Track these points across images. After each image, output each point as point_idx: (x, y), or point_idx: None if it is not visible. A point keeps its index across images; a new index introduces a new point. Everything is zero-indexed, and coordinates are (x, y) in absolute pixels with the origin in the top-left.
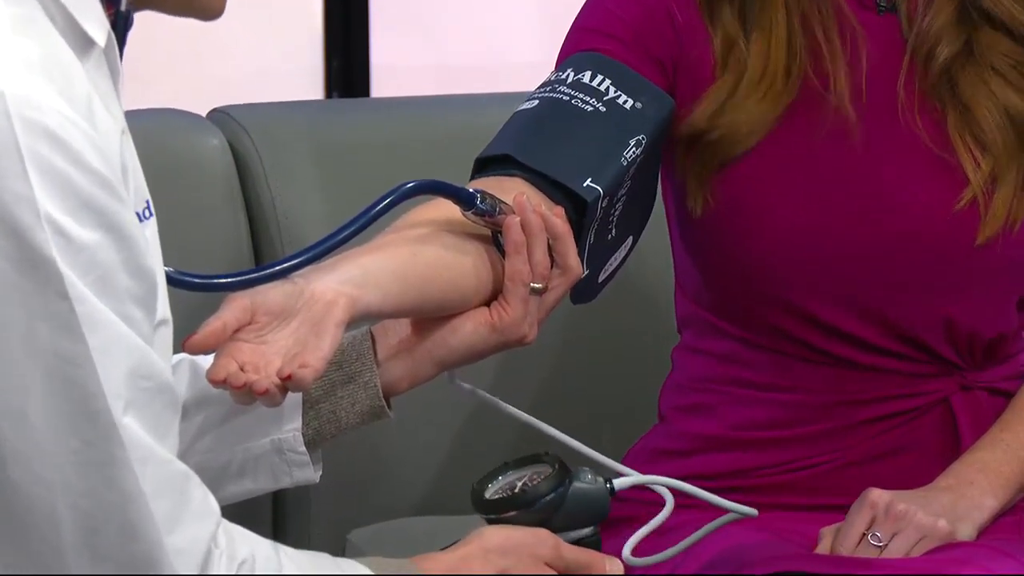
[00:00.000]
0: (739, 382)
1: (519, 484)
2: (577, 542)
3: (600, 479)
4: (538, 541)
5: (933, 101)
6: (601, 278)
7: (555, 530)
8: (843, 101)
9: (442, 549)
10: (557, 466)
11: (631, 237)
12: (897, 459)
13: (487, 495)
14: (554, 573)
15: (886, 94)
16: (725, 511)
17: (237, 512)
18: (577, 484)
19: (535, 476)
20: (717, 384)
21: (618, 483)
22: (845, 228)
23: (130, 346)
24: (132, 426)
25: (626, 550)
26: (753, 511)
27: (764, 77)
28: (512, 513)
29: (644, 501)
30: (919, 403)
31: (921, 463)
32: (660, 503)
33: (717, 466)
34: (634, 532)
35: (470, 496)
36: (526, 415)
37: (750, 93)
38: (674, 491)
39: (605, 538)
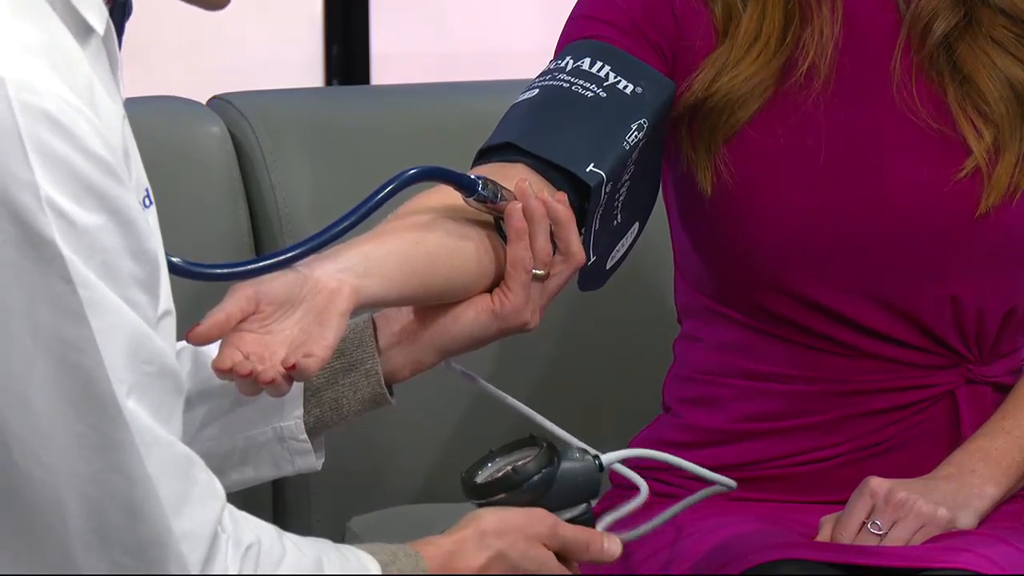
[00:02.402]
0: (744, 373)
1: (506, 467)
2: (570, 521)
3: (588, 456)
4: (533, 521)
5: (931, 75)
6: (609, 265)
7: (548, 510)
8: (821, 75)
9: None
10: (545, 446)
11: (637, 223)
12: (901, 453)
13: (476, 480)
14: (551, 552)
15: (882, 73)
16: (706, 483)
17: (238, 499)
18: (565, 463)
19: (522, 459)
20: (722, 376)
21: (606, 459)
22: (846, 210)
23: (133, 330)
24: (136, 410)
25: (599, 528)
26: (732, 483)
27: (759, 40)
28: (501, 496)
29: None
30: (925, 395)
31: (924, 457)
32: (653, 492)
33: (724, 458)
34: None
35: (461, 484)
36: (513, 399)
37: (745, 55)
38: (662, 473)
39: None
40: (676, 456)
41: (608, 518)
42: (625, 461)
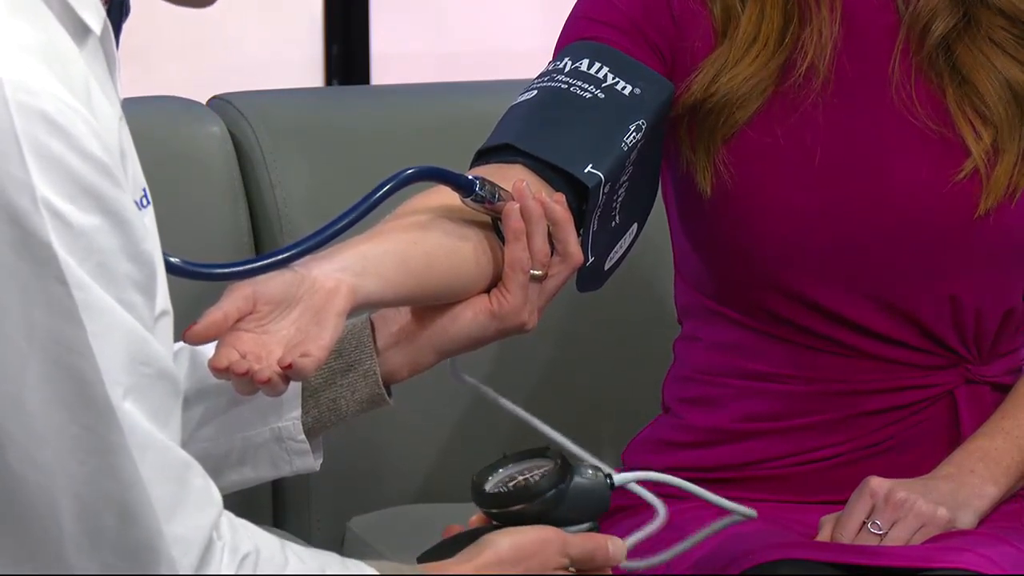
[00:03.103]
0: (744, 373)
1: (519, 478)
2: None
3: (600, 474)
4: (547, 545)
5: (930, 76)
6: (607, 266)
7: (556, 524)
8: (820, 75)
9: (438, 545)
10: (559, 462)
11: (636, 224)
12: (901, 453)
13: (487, 488)
14: (564, 571)
15: (881, 74)
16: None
17: (237, 499)
18: (578, 479)
19: (535, 470)
20: (722, 376)
21: (618, 478)
22: (845, 210)
23: (129, 332)
24: (132, 412)
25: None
26: (753, 512)
27: (757, 40)
28: (514, 508)
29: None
30: (924, 395)
31: (924, 457)
32: (662, 493)
33: (724, 458)
34: (633, 522)
35: (470, 489)
36: (525, 412)
37: (743, 56)
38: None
39: (604, 528)
40: (671, 462)
41: (632, 539)
42: (638, 482)
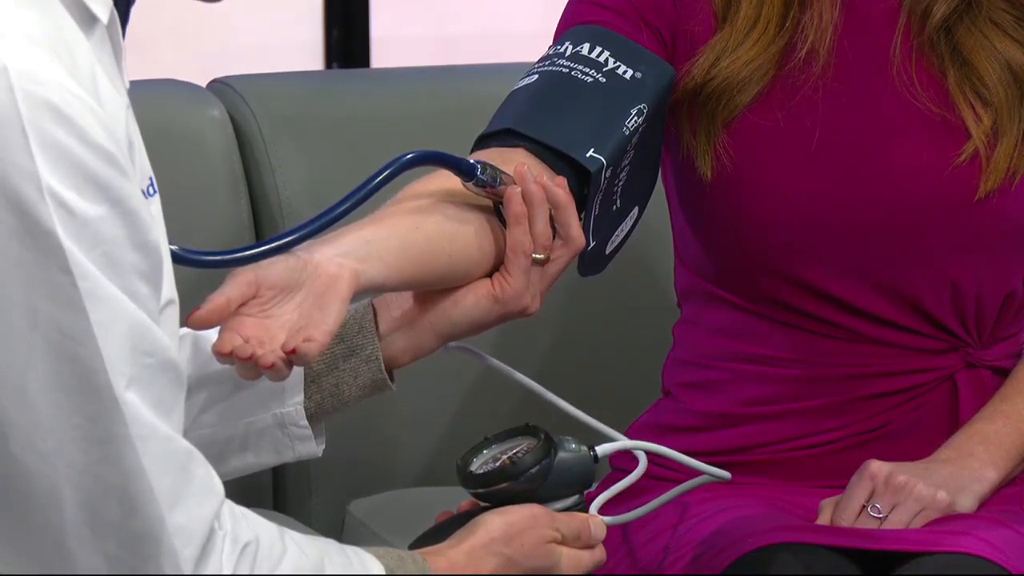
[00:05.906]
0: (744, 357)
1: (503, 457)
2: (565, 510)
3: (584, 447)
4: (536, 520)
5: (930, 58)
6: (608, 249)
7: (543, 500)
8: (820, 59)
9: (429, 530)
10: (542, 437)
11: (636, 208)
12: (901, 437)
13: (472, 469)
14: (557, 547)
15: (881, 57)
16: (699, 473)
17: (238, 483)
18: (562, 454)
19: (519, 448)
20: (722, 360)
21: (601, 450)
22: (845, 194)
23: (133, 322)
24: (134, 402)
25: (593, 508)
26: (726, 474)
27: (758, 24)
28: (501, 486)
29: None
30: (925, 379)
31: (924, 441)
32: (651, 475)
33: (724, 442)
34: (619, 497)
35: (456, 472)
36: (516, 372)
37: (744, 40)
38: (655, 459)
39: (590, 493)
40: (671, 446)
41: (600, 497)
42: (620, 451)
